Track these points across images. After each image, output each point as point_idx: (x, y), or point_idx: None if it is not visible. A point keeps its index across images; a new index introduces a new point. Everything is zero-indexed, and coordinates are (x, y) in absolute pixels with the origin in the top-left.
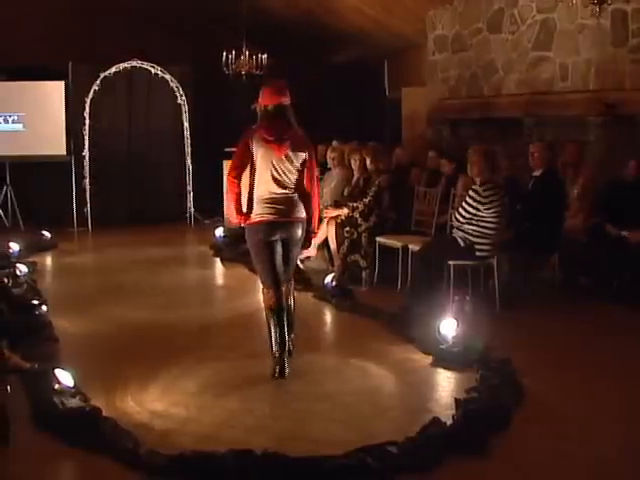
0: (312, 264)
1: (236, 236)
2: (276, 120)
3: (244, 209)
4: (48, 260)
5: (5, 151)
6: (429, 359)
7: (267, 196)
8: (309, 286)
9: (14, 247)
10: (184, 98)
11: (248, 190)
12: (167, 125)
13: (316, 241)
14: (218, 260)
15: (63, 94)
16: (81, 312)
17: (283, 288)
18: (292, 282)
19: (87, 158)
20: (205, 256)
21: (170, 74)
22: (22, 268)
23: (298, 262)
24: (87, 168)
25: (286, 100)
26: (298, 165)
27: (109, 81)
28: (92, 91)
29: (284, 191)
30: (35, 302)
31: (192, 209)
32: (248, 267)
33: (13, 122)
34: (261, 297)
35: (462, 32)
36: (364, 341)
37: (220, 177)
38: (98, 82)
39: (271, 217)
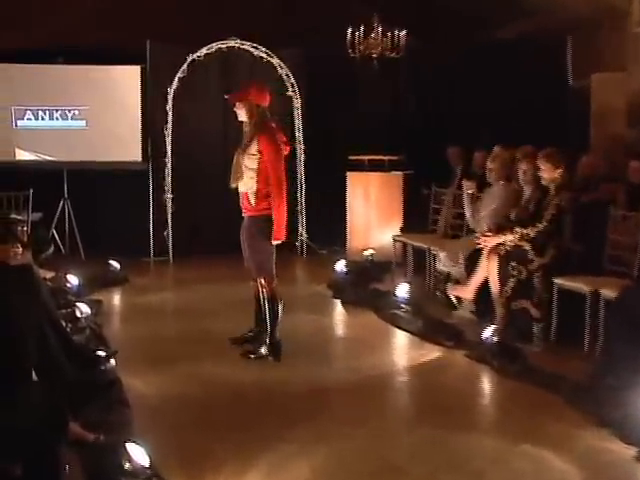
0: (464, 312)
1: (362, 271)
2: (272, 119)
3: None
4: (116, 298)
5: (63, 155)
6: (633, 451)
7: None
8: (461, 342)
9: (73, 281)
10: (296, 89)
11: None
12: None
13: (473, 283)
14: (339, 303)
15: (139, 82)
16: (159, 368)
17: None
18: None
19: (169, 166)
20: (321, 297)
21: (278, 58)
22: (83, 308)
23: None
24: (169, 179)
25: None
26: None
27: (199, 66)
28: (176, 79)
29: None
30: (100, 354)
31: (304, 235)
32: (379, 313)
33: (73, 118)
34: (388, 351)
35: None
36: (539, 420)
37: (342, 193)
38: (184, 67)
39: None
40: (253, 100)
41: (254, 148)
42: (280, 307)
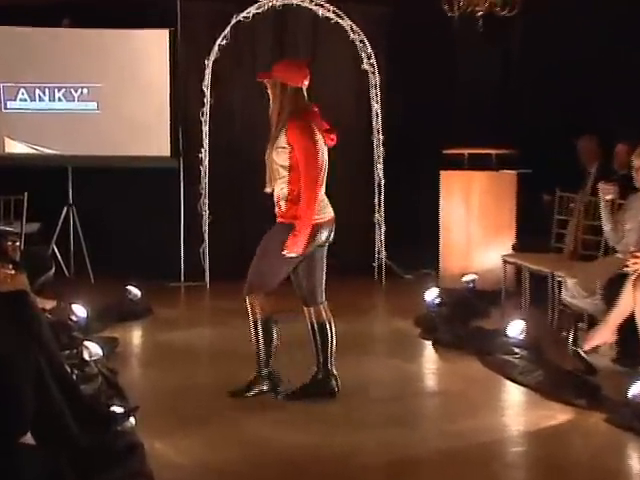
0: (602, 359)
1: (461, 303)
2: (312, 105)
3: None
4: (136, 336)
5: (67, 148)
6: None
7: (323, 193)
8: (598, 401)
9: (80, 313)
10: (374, 61)
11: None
12: (343, 108)
13: (614, 320)
14: (429, 345)
15: (167, 52)
16: (191, 428)
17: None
18: None
19: (206, 163)
20: (406, 337)
21: (350, 19)
22: (93, 349)
23: (583, 355)
24: (205, 180)
25: None
26: None
27: (245, 30)
28: (216, 47)
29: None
30: (116, 410)
31: (384, 254)
32: (483, 360)
33: (81, 99)
34: (496, 410)
35: None
36: None
37: (434, 199)
38: (227, 32)
39: (332, 215)
40: (279, 78)
41: (283, 140)
42: (333, 330)
